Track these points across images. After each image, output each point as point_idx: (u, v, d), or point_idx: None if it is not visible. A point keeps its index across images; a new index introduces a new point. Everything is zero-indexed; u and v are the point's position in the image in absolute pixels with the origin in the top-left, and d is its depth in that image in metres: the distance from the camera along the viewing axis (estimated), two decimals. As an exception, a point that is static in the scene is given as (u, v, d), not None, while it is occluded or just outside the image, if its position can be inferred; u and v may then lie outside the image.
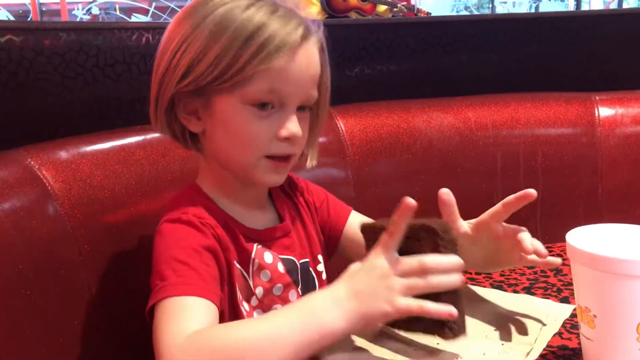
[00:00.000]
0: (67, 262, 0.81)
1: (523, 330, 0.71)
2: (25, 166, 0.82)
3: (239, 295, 0.76)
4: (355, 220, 0.93)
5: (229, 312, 0.75)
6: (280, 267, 0.82)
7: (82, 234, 0.83)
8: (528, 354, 0.66)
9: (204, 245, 0.72)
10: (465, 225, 0.77)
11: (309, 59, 0.75)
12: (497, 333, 0.71)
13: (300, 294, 0.84)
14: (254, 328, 0.62)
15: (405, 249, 0.63)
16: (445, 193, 0.76)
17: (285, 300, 0.82)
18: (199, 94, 0.75)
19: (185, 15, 0.76)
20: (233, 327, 0.63)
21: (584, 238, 0.62)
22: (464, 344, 0.67)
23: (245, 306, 0.77)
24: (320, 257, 0.89)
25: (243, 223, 0.81)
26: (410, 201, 0.63)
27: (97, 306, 0.84)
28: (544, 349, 0.67)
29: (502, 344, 0.68)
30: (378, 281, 0.61)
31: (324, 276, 0.90)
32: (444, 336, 0.64)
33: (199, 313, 0.65)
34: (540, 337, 0.69)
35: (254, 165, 0.77)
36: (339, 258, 0.95)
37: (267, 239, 0.82)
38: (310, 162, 0.85)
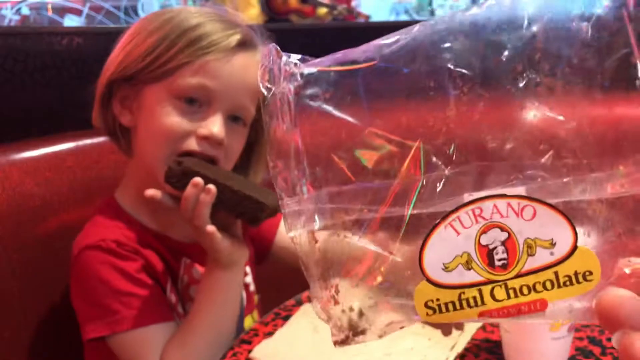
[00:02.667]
0: (-5, 273, 0.79)
1: (449, 325, 0.74)
2: (-51, 175, 0.80)
3: (175, 309, 0.78)
4: None
5: None
6: None
7: (11, 243, 0.81)
8: (453, 347, 0.70)
9: (135, 268, 0.74)
10: None
11: (246, 68, 0.76)
12: (424, 329, 0.74)
13: None
14: (201, 325, 0.73)
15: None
16: None
17: None
18: (132, 82, 0.75)
19: (137, 22, 0.78)
20: (188, 334, 0.72)
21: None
22: (393, 341, 0.69)
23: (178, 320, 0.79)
24: (247, 269, 0.90)
25: (169, 235, 0.80)
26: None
27: (30, 317, 0.82)
28: (469, 342, 0.71)
29: (429, 339, 0.71)
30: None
31: (251, 288, 0.90)
32: (254, 221, 0.73)
33: (164, 338, 0.73)
34: (465, 331, 0.73)
35: (163, 159, 0.73)
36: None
37: (195, 252, 0.81)
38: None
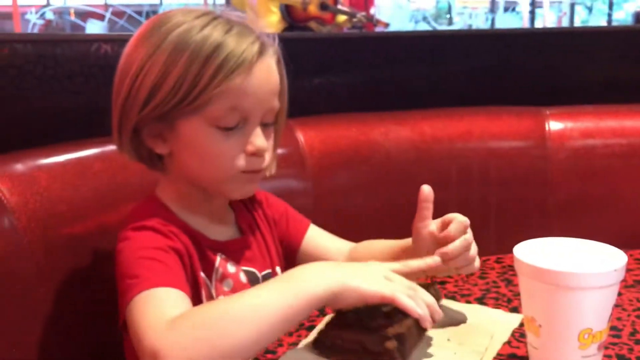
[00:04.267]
0: (23, 277, 0.80)
1: (474, 339, 0.73)
2: (-20, 180, 0.81)
3: (204, 301, 0.78)
4: (314, 234, 0.95)
5: None
6: (243, 277, 0.84)
7: (39, 248, 0.82)
8: (479, 362, 0.69)
9: (170, 245, 0.74)
10: (433, 225, 0.79)
11: (267, 72, 0.77)
12: (449, 343, 0.73)
13: None
14: (235, 300, 0.64)
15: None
16: (428, 189, 0.77)
17: None
18: (162, 119, 0.76)
19: (142, 39, 0.76)
20: (214, 304, 0.67)
21: (530, 251, 0.65)
22: (416, 354, 0.69)
23: None
24: (278, 269, 0.91)
25: (205, 234, 0.82)
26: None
27: (55, 322, 0.83)
28: (494, 357, 0.70)
29: (455, 353, 0.71)
30: (365, 267, 0.68)
31: None
32: None
33: (175, 301, 0.67)
34: (490, 346, 0.72)
35: (228, 180, 0.78)
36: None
37: (230, 250, 0.83)
38: (269, 171, 0.86)
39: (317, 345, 0.71)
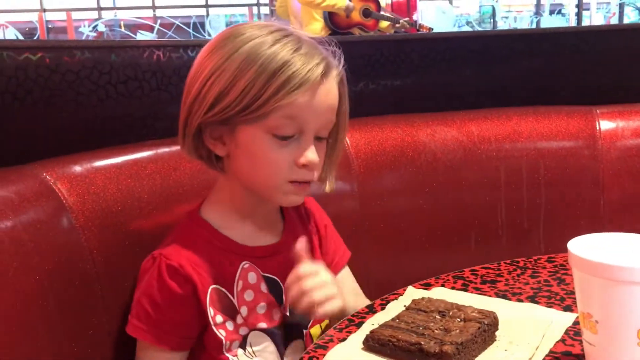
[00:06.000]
0: (81, 274, 0.83)
1: (526, 337, 0.72)
2: (41, 180, 0.85)
3: (216, 320, 0.83)
4: (344, 274, 0.98)
5: (207, 335, 0.84)
6: (263, 288, 0.86)
7: (95, 246, 0.85)
8: (530, 359, 0.68)
9: (176, 293, 0.81)
10: None
11: (327, 91, 0.81)
12: (500, 341, 0.72)
13: (287, 313, 0.88)
14: None
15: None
16: (299, 246, 0.83)
17: (269, 318, 0.86)
18: (224, 122, 0.80)
19: (216, 47, 0.80)
20: None
21: (585, 246, 0.64)
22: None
23: (229, 326, 0.84)
24: None
25: (244, 244, 0.86)
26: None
27: (111, 316, 0.86)
28: (547, 355, 0.69)
29: (505, 350, 0.70)
30: None
31: None
32: None
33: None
34: (542, 344, 0.71)
35: (277, 187, 0.82)
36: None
37: (255, 256, 0.86)
38: (330, 187, 0.90)
39: (368, 342, 0.71)
